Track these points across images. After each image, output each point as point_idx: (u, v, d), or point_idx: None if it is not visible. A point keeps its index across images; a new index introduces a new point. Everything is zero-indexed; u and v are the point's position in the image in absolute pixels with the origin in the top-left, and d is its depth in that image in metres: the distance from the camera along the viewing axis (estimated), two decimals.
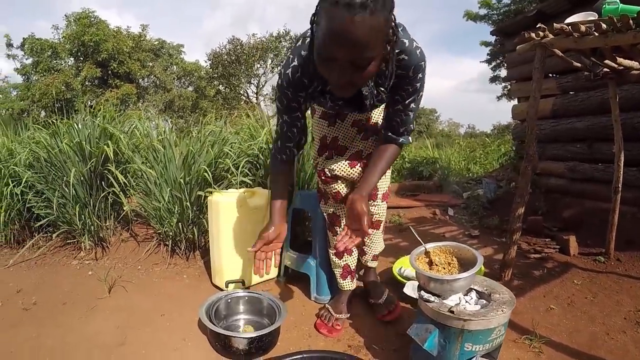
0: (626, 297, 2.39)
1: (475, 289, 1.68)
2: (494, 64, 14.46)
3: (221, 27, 62.14)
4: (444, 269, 1.65)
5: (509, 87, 12.90)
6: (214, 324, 1.77)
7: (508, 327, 1.99)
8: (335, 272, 2.10)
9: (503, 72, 14.39)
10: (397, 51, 1.35)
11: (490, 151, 8.50)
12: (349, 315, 2.07)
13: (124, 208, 2.81)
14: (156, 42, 23.49)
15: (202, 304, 1.89)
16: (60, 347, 1.80)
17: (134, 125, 3.21)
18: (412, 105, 1.56)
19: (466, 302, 1.62)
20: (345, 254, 2.04)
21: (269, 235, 1.69)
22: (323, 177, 1.89)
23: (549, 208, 4.04)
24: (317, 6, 1.18)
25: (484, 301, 1.62)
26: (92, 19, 19.95)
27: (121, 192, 2.72)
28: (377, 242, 2.16)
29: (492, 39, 12.60)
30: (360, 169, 1.87)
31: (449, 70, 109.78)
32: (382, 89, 1.50)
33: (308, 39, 1.38)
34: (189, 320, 2.01)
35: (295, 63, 1.44)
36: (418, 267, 1.64)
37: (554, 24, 2.22)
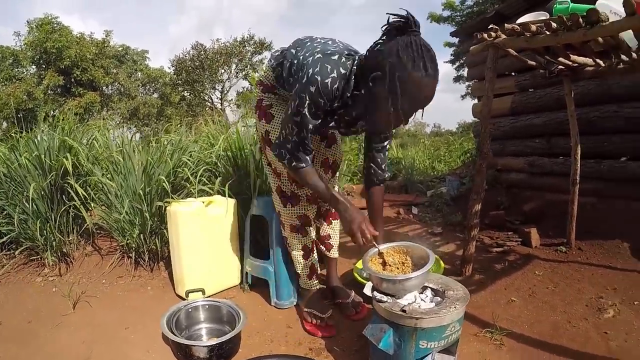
0: (587, 284, 2.45)
1: (430, 287, 1.71)
2: (457, 64, 14.66)
3: (187, 31, 61.27)
4: (398, 269, 1.67)
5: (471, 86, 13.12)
6: (175, 335, 1.77)
7: (469, 322, 2.06)
8: (302, 273, 2.14)
9: (467, 71, 14.63)
10: None
11: (454, 149, 8.66)
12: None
13: (86, 222, 2.76)
14: (120, 48, 22.97)
15: (163, 314, 1.89)
16: None
17: (93, 137, 3.15)
18: (390, 143, 1.95)
19: (422, 300, 1.65)
20: (311, 253, 2.10)
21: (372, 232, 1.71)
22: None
23: (510, 202, 4.12)
24: (396, 63, 1.40)
25: (439, 298, 1.65)
26: (55, 25, 19.35)
27: (82, 206, 2.66)
28: (338, 232, 2.29)
29: (456, 39, 12.82)
30: (330, 175, 2.15)
31: None
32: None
33: (343, 58, 1.60)
34: (152, 332, 1.99)
35: (335, 75, 1.57)
36: (370, 269, 1.66)
37: (505, 25, 2.27)
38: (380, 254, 1.74)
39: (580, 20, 1.87)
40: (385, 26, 1.48)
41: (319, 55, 1.62)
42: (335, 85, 1.58)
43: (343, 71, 1.58)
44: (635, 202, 3.18)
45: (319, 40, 1.76)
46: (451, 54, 14.27)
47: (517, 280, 2.59)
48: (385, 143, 1.92)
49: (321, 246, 2.30)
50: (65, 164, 2.66)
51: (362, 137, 2.02)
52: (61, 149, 2.87)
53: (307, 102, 1.59)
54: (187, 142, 3.08)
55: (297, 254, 2.11)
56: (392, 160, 7.18)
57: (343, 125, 1.82)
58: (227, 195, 2.43)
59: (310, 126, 1.66)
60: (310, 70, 1.58)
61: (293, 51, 1.78)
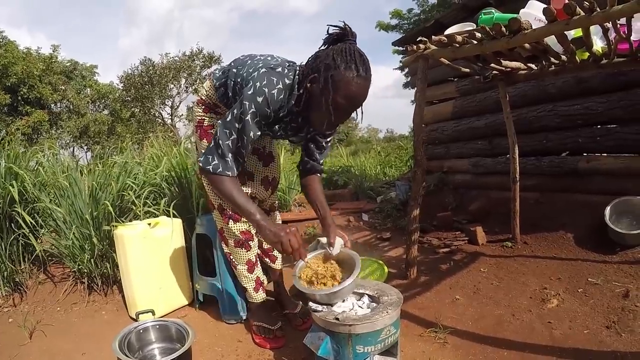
0: (532, 277, 2.54)
1: (367, 294, 1.80)
2: (406, 70, 15.01)
3: (137, 44, 60.10)
4: (330, 281, 1.73)
5: None
6: (128, 357, 1.79)
7: (413, 322, 2.14)
8: (248, 286, 2.18)
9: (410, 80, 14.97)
10: None
11: (404, 154, 8.74)
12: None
13: (37, 249, 2.72)
14: (68, 64, 21.99)
15: (115, 338, 1.89)
16: None
17: (38, 163, 3.11)
18: (331, 142, 2.09)
19: (359, 307, 1.74)
20: (255, 266, 2.15)
21: (298, 241, 1.67)
22: None
23: (458, 203, 4.25)
24: (329, 64, 1.54)
25: (374, 304, 1.74)
26: (0, 40, 18.46)
27: (31, 234, 2.63)
28: None
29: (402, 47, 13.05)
30: (270, 191, 2.23)
31: None
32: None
33: (285, 69, 1.69)
34: (108, 357, 1.99)
35: (281, 86, 1.66)
36: (300, 285, 1.72)
37: (432, 37, 2.37)
38: (308, 266, 1.77)
39: (504, 29, 1.96)
40: (326, 36, 1.63)
41: (264, 69, 1.67)
42: (282, 96, 1.66)
43: (287, 82, 1.67)
44: (576, 194, 3.34)
45: (258, 57, 1.84)
46: (400, 61, 14.56)
47: (462, 279, 2.66)
48: (326, 142, 2.06)
49: (266, 259, 2.36)
50: (11, 191, 2.62)
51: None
52: (7, 176, 2.81)
53: (252, 110, 1.62)
54: (133, 164, 3.08)
55: (242, 268, 2.15)
56: (343, 168, 7.23)
57: (291, 132, 1.88)
58: (171, 215, 2.47)
59: (251, 134, 1.66)
60: (258, 84, 1.63)
61: (235, 70, 1.84)
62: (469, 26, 2.47)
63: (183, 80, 23.92)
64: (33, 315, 2.46)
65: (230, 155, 1.68)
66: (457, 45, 2.26)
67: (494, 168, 4.13)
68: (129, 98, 23.07)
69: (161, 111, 24.70)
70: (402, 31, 11.84)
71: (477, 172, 4.35)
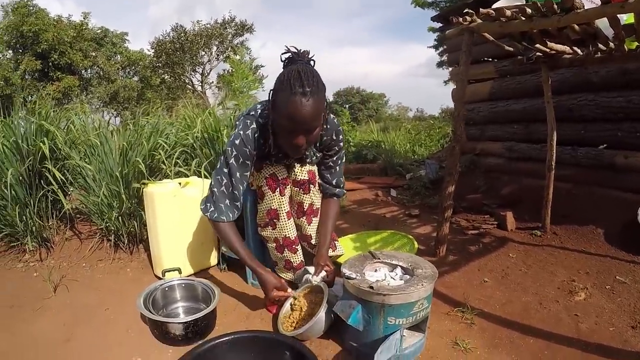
0: (560, 268, 2.49)
1: (400, 265, 1.75)
2: (441, 49, 14.74)
3: (167, 13, 59.63)
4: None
5: None
6: (152, 313, 1.79)
7: (441, 300, 2.09)
8: (279, 263, 2.16)
9: (447, 57, 14.69)
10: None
11: (435, 133, 8.69)
12: None
13: (65, 206, 2.74)
14: (99, 31, 22.27)
15: (140, 294, 1.90)
16: (8, 349, 1.78)
17: (70, 121, 3.12)
18: (339, 161, 2.09)
19: (392, 278, 1.69)
20: (285, 248, 2.08)
21: (279, 295, 1.86)
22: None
23: (488, 186, 4.18)
24: (273, 90, 1.66)
25: (408, 276, 1.69)
26: (31, 8, 18.79)
27: (60, 190, 2.65)
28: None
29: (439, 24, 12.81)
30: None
31: (398, 55, 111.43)
32: (314, 150, 1.97)
33: (260, 110, 1.84)
34: (132, 313, 2.00)
35: (254, 126, 1.80)
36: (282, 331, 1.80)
37: (480, 9, 2.28)
38: (292, 309, 1.88)
39: (555, 6, 1.88)
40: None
41: (242, 116, 1.88)
42: (257, 134, 1.81)
43: (262, 121, 1.81)
44: (610, 189, 3.25)
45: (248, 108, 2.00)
46: (435, 40, 14.34)
47: (490, 262, 2.63)
48: (330, 162, 2.07)
49: (303, 243, 2.21)
50: (42, 148, 2.63)
51: None
52: (38, 133, 2.83)
53: (234, 153, 1.79)
54: (164, 125, 3.06)
55: (271, 246, 2.12)
56: (373, 143, 7.21)
57: (283, 160, 1.97)
58: (202, 176, 2.45)
59: (238, 174, 1.82)
60: (235, 130, 1.83)
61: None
62: (518, 1, 2.36)
63: (214, 48, 24.03)
64: (58, 270, 2.49)
65: (225, 201, 1.86)
66: (505, 20, 2.17)
67: (528, 154, 4.04)
68: (159, 64, 23.27)
69: (192, 78, 24.88)
70: (438, 8, 11.60)
71: (511, 157, 4.27)
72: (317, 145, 1.97)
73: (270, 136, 1.77)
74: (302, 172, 2.02)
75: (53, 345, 1.79)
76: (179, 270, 2.18)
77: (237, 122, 1.88)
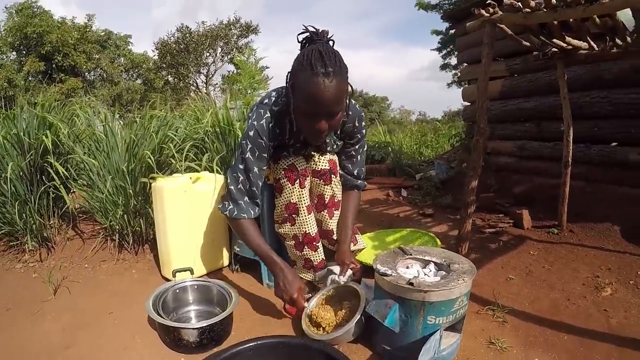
0: (582, 264, 2.48)
1: (433, 261, 1.65)
2: (444, 51, 14.77)
3: (170, 15, 60.52)
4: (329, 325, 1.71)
5: (459, 74, 13.21)
6: (162, 317, 1.67)
7: (470, 299, 2.00)
8: (297, 262, 2.03)
9: (453, 60, 14.78)
10: None
11: (442, 135, 8.75)
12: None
13: (67, 202, 2.63)
14: (102, 33, 22.56)
15: (149, 296, 1.78)
16: (4, 353, 1.67)
17: (74, 114, 3.02)
18: (361, 149, 2.01)
19: (425, 274, 1.59)
20: (305, 246, 1.96)
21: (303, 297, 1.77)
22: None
23: (500, 185, 4.15)
24: (291, 72, 1.56)
25: (444, 272, 1.59)
26: (35, 10, 19.05)
27: (62, 186, 2.53)
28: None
29: (443, 27, 12.88)
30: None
31: (400, 59, 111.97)
32: (335, 138, 1.89)
33: (274, 98, 1.76)
34: (138, 316, 1.90)
35: (268, 115, 1.72)
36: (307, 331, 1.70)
37: (504, 0, 2.23)
38: (310, 316, 1.76)
39: None
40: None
41: (255, 106, 1.81)
42: (271, 124, 1.72)
43: (276, 108, 1.73)
44: (623, 187, 3.23)
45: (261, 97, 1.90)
46: (438, 42, 14.37)
47: (512, 260, 2.60)
48: (352, 151, 1.99)
49: (324, 240, 2.09)
50: (45, 141, 2.52)
51: None
52: (41, 126, 2.74)
53: (249, 146, 1.72)
54: (173, 118, 2.95)
55: (289, 244, 1.98)
56: (380, 144, 7.22)
57: (302, 150, 1.88)
58: (214, 171, 2.34)
59: (255, 169, 1.75)
60: (249, 121, 1.75)
61: None
62: None
63: (219, 49, 24.15)
64: (59, 271, 2.38)
65: (244, 198, 1.81)
66: (530, 11, 2.12)
67: (540, 152, 3.99)
68: (163, 65, 23.45)
69: (196, 79, 24.95)
70: (441, 11, 11.62)
71: (522, 156, 4.22)
72: (339, 132, 1.88)
73: (287, 124, 1.69)
74: (322, 161, 1.91)
75: (51, 353, 1.67)
76: (191, 271, 2.04)
77: (250, 113, 1.80)
